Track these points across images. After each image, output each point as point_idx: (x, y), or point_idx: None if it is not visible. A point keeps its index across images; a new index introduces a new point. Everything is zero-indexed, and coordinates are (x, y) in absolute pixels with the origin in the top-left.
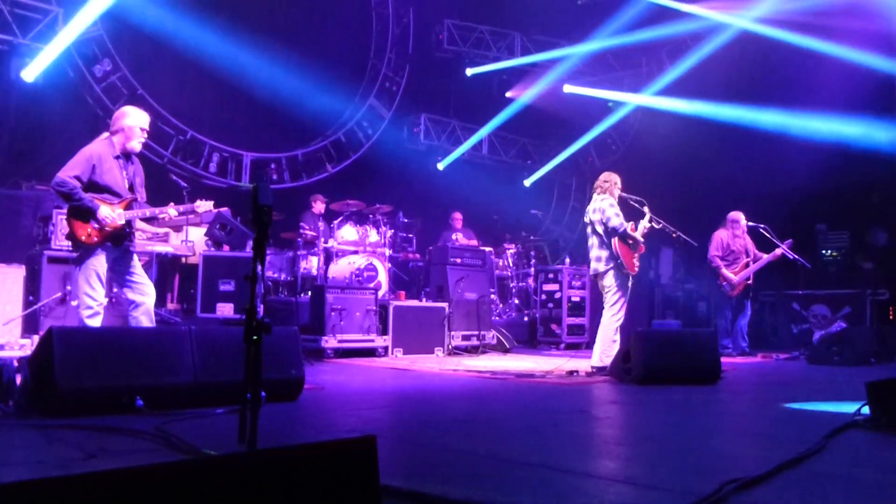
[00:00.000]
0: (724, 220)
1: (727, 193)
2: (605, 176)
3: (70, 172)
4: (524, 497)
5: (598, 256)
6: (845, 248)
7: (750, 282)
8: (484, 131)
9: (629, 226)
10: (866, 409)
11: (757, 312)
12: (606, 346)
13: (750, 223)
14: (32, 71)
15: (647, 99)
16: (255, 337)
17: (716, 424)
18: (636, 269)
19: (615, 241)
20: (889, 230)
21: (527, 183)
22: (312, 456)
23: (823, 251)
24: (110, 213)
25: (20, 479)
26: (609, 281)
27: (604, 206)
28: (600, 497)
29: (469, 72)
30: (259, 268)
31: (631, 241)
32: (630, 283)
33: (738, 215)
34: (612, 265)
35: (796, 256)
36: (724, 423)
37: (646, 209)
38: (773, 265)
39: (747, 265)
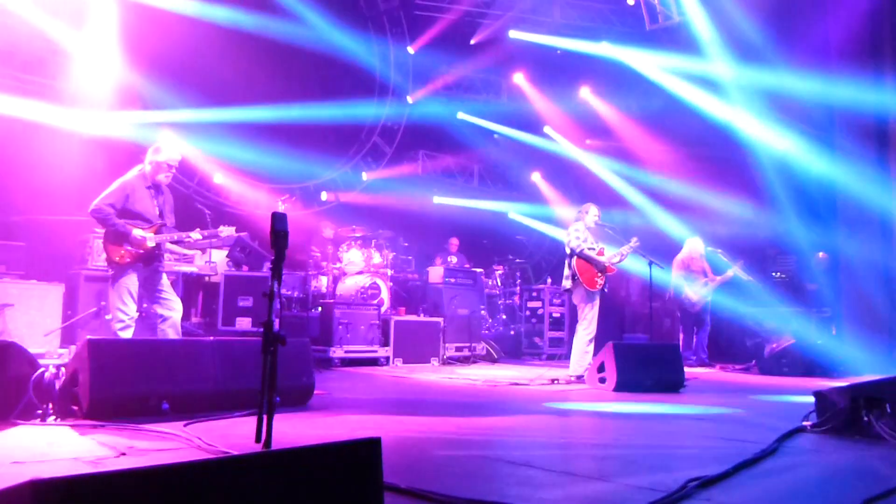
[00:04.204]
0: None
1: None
2: (582, 206)
3: (106, 201)
4: (509, 492)
5: (566, 275)
6: (792, 269)
7: (708, 300)
8: None
9: (597, 249)
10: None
11: (714, 327)
12: (580, 356)
13: (708, 248)
14: None
15: None
16: (271, 347)
17: (681, 428)
18: (597, 286)
19: (574, 260)
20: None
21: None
22: (322, 456)
23: (773, 272)
24: (141, 237)
25: (57, 475)
26: (577, 297)
27: (570, 230)
28: (577, 492)
29: (460, 115)
30: (276, 286)
31: (594, 262)
32: (597, 299)
33: (698, 241)
34: (574, 282)
35: (748, 276)
36: (688, 427)
37: (634, 240)
38: (728, 284)
39: (705, 284)
